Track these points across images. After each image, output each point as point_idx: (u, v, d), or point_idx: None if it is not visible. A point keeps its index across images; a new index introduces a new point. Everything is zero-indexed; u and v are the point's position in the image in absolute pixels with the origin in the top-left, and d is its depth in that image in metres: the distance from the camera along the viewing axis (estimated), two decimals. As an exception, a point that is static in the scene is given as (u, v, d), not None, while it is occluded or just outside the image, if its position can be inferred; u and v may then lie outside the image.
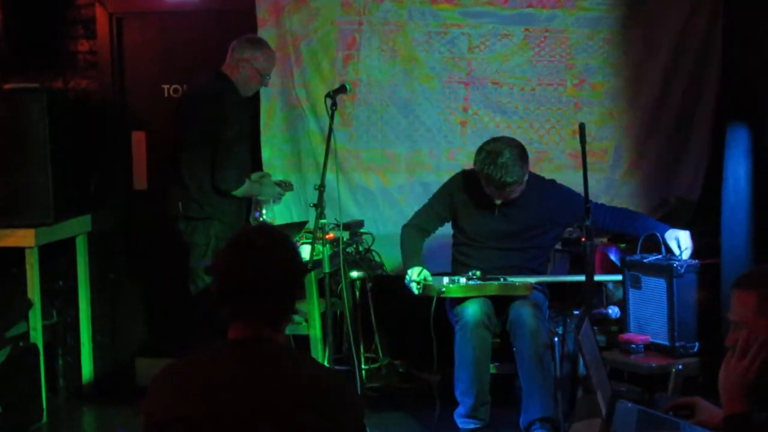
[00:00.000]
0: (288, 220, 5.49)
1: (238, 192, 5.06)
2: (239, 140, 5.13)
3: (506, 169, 4.58)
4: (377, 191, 5.68)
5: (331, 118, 4.73)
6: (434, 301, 4.54)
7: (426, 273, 4.69)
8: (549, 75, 5.51)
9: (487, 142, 4.74)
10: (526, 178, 4.69)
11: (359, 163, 5.67)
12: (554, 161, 5.54)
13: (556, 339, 4.69)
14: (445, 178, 5.08)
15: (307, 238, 4.82)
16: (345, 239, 5.09)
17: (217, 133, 4.99)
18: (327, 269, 4.82)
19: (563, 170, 5.45)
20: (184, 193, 5.08)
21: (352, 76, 5.56)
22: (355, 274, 5.30)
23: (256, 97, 5.49)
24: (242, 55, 5.14)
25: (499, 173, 4.59)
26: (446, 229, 5.00)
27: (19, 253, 5.27)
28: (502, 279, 4.63)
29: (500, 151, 4.61)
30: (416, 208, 5.04)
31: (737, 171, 4.56)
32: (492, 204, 4.76)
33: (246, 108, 5.28)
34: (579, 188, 4.40)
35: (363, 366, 5.46)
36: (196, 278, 5.08)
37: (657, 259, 4.43)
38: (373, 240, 5.40)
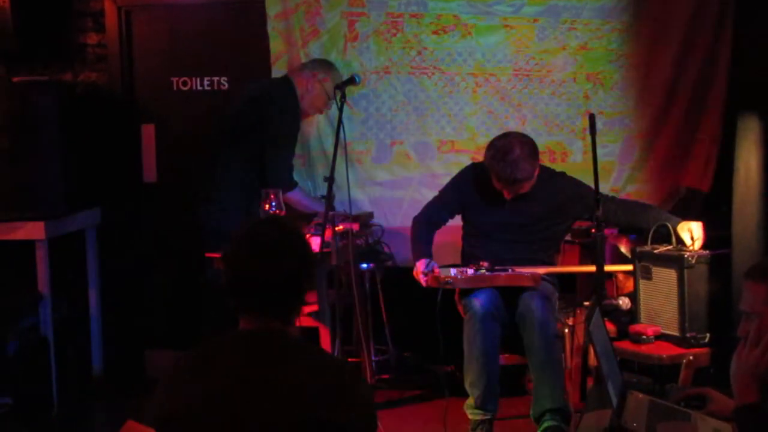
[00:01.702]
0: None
1: (293, 193, 5.06)
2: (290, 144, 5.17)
3: (516, 165, 4.57)
4: (387, 183, 5.67)
5: (340, 109, 4.71)
6: (440, 293, 4.53)
7: (434, 265, 4.67)
8: (559, 66, 5.49)
9: (498, 138, 4.72)
10: (536, 173, 4.68)
11: (369, 154, 5.67)
12: (564, 153, 5.53)
13: (566, 330, 4.69)
14: (455, 170, 5.07)
15: (316, 230, 4.82)
16: (355, 231, 5.09)
17: (278, 134, 4.99)
18: (336, 261, 4.82)
19: (573, 162, 5.44)
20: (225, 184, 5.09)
21: (361, 68, 5.55)
22: (364, 265, 5.30)
23: None
24: (315, 71, 5.16)
25: (509, 170, 4.58)
26: (458, 221, 5.00)
27: (29, 245, 5.28)
28: (510, 270, 4.61)
29: (510, 148, 4.60)
30: (426, 201, 5.03)
31: (748, 161, 4.55)
32: (502, 196, 4.75)
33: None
34: (589, 180, 4.39)
35: (373, 358, 5.46)
36: (208, 268, 5.07)
37: (668, 249, 4.41)
38: (383, 232, 5.40)
